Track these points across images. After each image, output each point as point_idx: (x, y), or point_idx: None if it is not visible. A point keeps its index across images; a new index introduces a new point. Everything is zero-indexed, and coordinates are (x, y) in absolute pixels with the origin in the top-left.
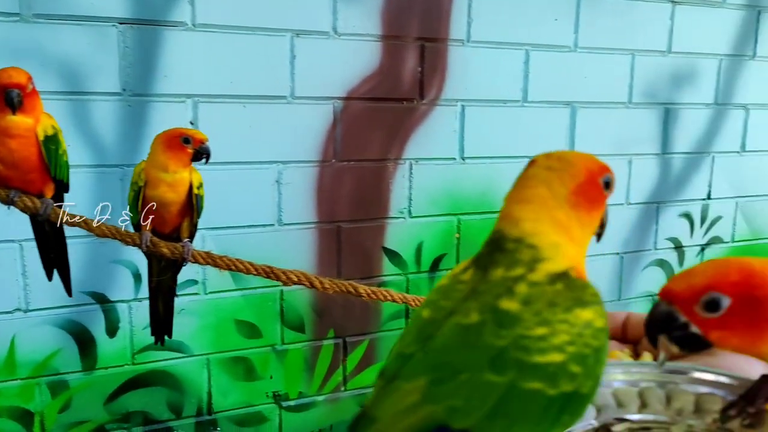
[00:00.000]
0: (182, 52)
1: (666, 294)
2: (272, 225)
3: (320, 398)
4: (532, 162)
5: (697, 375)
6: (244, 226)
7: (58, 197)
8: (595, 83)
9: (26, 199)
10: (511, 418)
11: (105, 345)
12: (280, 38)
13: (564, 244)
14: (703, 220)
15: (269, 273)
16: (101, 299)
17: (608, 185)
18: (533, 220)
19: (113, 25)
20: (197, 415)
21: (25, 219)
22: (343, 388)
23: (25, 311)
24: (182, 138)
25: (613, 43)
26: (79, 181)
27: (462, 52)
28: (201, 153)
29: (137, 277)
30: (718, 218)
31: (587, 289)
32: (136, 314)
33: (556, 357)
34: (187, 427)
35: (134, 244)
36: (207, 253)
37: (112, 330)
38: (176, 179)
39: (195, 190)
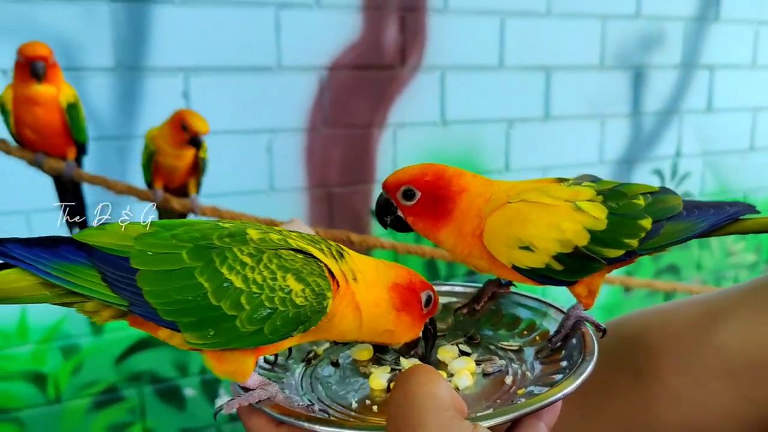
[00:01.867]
0: (172, 27)
1: (384, 185)
2: (265, 191)
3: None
4: (384, 262)
5: (443, 288)
6: (238, 192)
7: (78, 159)
8: (568, 48)
9: (51, 162)
10: (169, 287)
11: None
12: (265, 10)
13: (355, 289)
14: (673, 176)
15: (271, 225)
16: None
17: (428, 303)
18: (350, 266)
19: (105, 2)
20: (202, 372)
21: (31, 190)
22: None
23: None
24: (182, 124)
25: (585, 8)
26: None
27: (440, 20)
28: (193, 144)
29: None
30: (687, 174)
31: (318, 281)
32: None
33: (237, 281)
34: (194, 384)
35: (149, 200)
36: (213, 207)
37: None
38: (181, 152)
39: (201, 154)
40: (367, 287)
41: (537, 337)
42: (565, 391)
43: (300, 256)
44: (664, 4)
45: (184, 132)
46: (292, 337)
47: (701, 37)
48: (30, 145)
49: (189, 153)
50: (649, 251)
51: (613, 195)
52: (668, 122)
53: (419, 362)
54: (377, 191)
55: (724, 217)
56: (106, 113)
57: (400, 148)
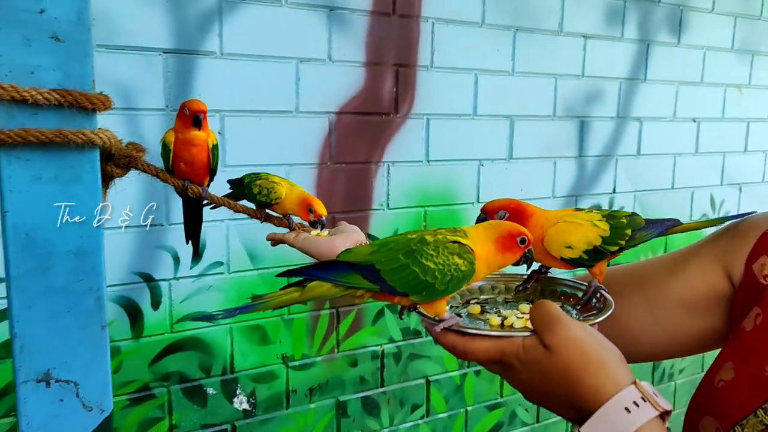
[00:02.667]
0: (212, 76)
1: (483, 209)
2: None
3: (319, 359)
4: (487, 222)
5: (504, 276)
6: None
7: (208, 185)
8: (527, 100)
9: (194, 187)
10: (399, 275)
11: (150, 316)
12: (288, 64)
13: (480, 249)
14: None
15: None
16: (147, 278)
17: (523, 242)
18: (472, 237)
19: (159, 54)
20: (222, 374)
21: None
22: (336, 350)
23: None
24: (310, 207)
25: (541, 69)
26: (131, 179)
27: (427, 75)
28: (316, 223)
29: (176, 259)
30: (622, 207)
31: (468, 255)
32: (175, 291)
33: (431, 264)
34: (215, 384)
35: (254, 217)
36: (299, 223)
37: (155, 304)
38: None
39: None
40: (484, 249)
41: (571, 300)
42: (601, 318)
43: (455, 245)
44: (603, 67)
45: (311, 213)
46: (461, 288)
47: (632, 94)
48: (180, 175)
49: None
50: (629, 247)
51: (610, 217)
52: (606, 164)
53: (518, 311)
54: (374, 218)
55: (665, 227)
56: (157, 148)
57: (392, 182)
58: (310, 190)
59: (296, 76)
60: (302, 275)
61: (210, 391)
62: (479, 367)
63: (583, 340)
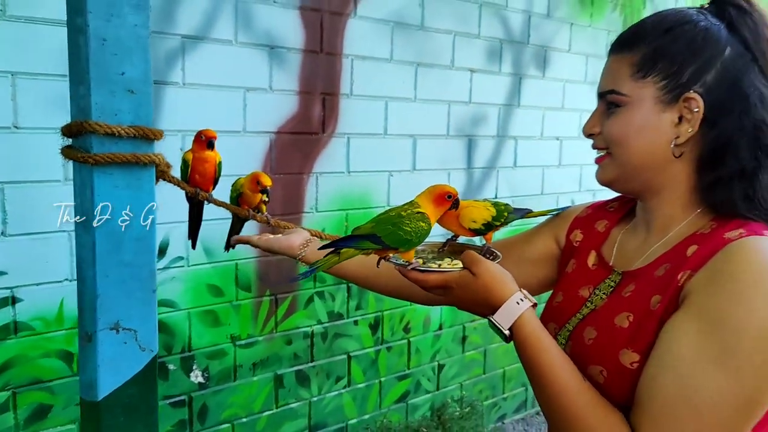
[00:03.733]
0: (177, 102)
1: None
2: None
3: (261, 338)
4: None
5: (430, 242)
6: (217, 219)
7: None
8: (427, 122)
9: (203, 193)
10: (393, 236)
11: None
12: (237, 92)
13: (427, 210)
14: None
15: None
16: None
17: (449, 198)
18: (422, 204)
19: None
20: (181, 352)
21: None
22: (275, 331)
23: (71, 280)
24: (257, 180)
25: (438, 96)
26: None
27: (348, 102)
28: (263, 192)
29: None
30: None
31: (426, 219)
32: None
33: (408, 229)
34: (175, 360)
35: (243, 215)
36: (276, 219)
37: None
38: (255, 195)
39: (264, 197)
40: (429, 209)
41: None
42: (497, 261)
43: (419, 214)
44: (485, 95)
45: (258, 185)
46: (425, 239)
47: (509, 117)
48: (193, 184)
49: (260, 195)
50: (506, 223)
51: (495, 204)
52: (489, 175)
53: (445, 262)
54: (306, 219)
55: (523, 213)
56: None
57: (320, 190)
58: None
59: (243, 102)
60: (334, 246)
61: (171, 366)
62: (391, 344)
63: (494, 269)
